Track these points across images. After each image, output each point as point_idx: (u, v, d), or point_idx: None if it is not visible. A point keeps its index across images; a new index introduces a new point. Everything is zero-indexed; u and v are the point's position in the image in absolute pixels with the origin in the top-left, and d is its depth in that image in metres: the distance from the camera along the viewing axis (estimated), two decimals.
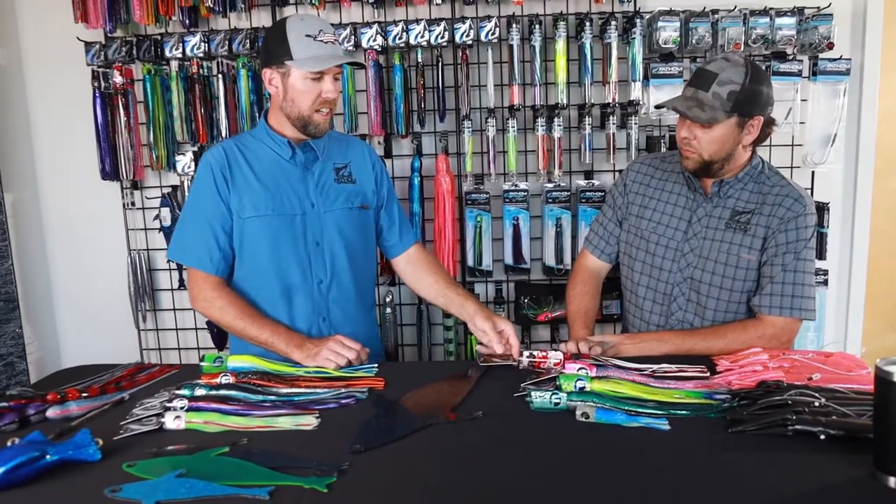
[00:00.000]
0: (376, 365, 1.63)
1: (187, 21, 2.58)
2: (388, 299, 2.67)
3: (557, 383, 1.42)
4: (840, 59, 2.45)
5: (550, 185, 2.58)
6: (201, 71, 2.60)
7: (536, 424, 1.31)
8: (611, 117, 2.52)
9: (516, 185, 2.59)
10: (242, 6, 2.54)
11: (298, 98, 1.69)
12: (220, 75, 2.58)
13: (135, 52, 2.59)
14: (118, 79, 2.60)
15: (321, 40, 1.66)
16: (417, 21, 2.49)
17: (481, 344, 1.72)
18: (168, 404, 1.37)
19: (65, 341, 2.97)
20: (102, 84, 2.62)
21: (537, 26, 2.48)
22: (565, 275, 2.55)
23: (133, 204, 2.78)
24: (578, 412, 1.30)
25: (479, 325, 1.73)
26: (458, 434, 1.28)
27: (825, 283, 2.60)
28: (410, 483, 1.11)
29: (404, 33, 2.49)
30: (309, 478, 1.09)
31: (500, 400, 1.42)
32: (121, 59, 2.59)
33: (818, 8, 2.43)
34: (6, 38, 2.76)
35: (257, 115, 2.55)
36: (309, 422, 1.32)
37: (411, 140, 2.65)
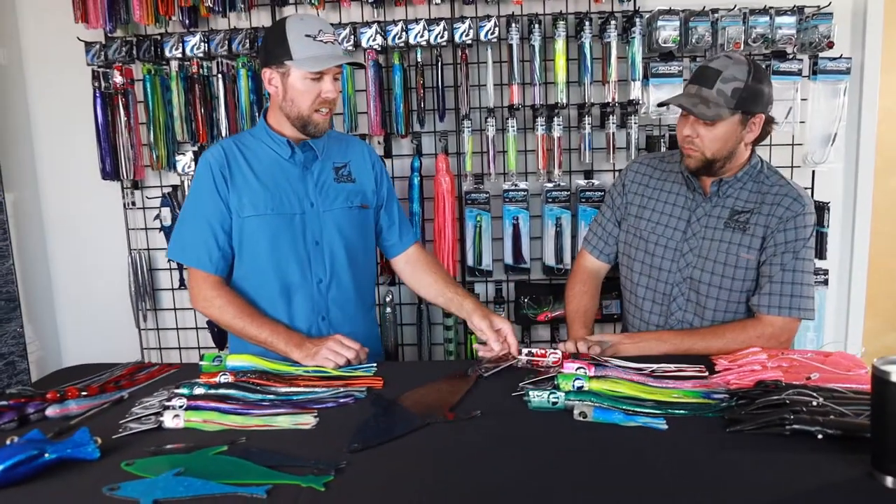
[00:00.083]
0: (375, 364, 1.63)
1: (187, 21, 2.59)
2: (388, 299, 2.67)
3: (556, 383, 1.42)
4: (840, 58, 2.45)
5: (550, 185, 2.58)
6: (201, 71, 2.60)
7: (534, 424, 1.31)
8: (610, 117, 2.52)
9: (516, 185, 2.59)
10: (242, 6, 2.55)
11: (298, 98, 1.69)
12: (219, 75, 2.58)
13: (135, 52, 2.59)
14: (118, 79, 2.60)
15: (321, 40, 1.67)
16: (417, 21, 2.49)
17: (481, 344, 1.72)
18: (167, 403, 1.37)
19: (66, 341, 2.98)
20: (103, 84, 2.62)
21: (537, 26, 2.48)
22: (565, 274, 2.55)
23: (133, 204, 2.79)
24: (576, 411, 1.30)
25: (476, 324, 1.73)
26: (455, 433, 1.28)
27: (825, 282, 2.60)
28: (408, 482, 1.11)
29: (404, 33, 2.49)
30: (306, 476, 1.09)
31: (498, 399, 1.42)
32: (121, 59, 2.60)
33: (818, 7, 2.43)
34: (7, 38, 2.76)
35: (257, 114, 2.56)
36: (307, 421, 1.32)
37: (411, 140, 2.65)
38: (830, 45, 2.41)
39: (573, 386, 1.40)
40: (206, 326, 2.74)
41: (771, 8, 2.42)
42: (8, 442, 1.18)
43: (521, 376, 1.49)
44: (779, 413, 1.21)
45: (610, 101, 2.50)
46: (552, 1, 2.57)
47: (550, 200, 2.58)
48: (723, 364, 1.54)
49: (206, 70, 2.61)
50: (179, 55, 2.57)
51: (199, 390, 1.43)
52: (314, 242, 1.78)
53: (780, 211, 1.74)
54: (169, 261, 2.78)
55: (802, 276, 1.72)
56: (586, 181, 2.60)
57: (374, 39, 2.50)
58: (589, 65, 2.48)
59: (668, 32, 2.41)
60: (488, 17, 2.47)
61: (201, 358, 1.66)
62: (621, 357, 1.63)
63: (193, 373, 1.57)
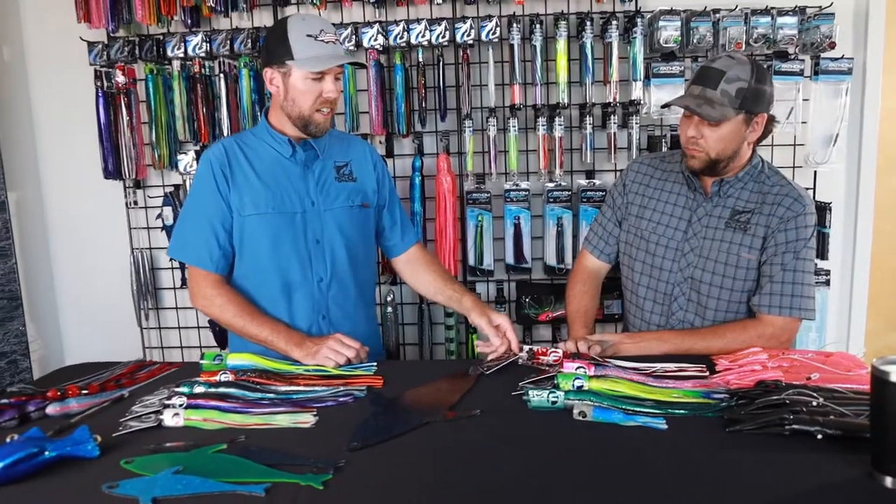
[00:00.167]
0: (375, 363, 1.63)
1: (189, 21, 2.59)
2: (389, 298, 2.67)
3: (555, 382, 1.42)
4: (842, 58, 2.44)
5: (551, 185, 2.58)
6: (203, 70, 2.61)
7: (534, 423, 1.31)
8: (612, 117, 2.52)
9: (517, 185, 2.59)
10: (244, 6, 2.55)
11: (299, 98, 1.69)
12: (221, 75, 2.59)
13: (137, 51, 2.60)
14: (121, 78, 2.61)
15: (322, 40, 1.67)
16: (418, 21, 2.49)
17: (482, 342, 1.72)
18: (167, 401, 1.38)
19: (68, 339, 2.99)
20: (105, 84, 2.63)
21: (538, 26, 2.48)
22: (566, 274, 2.55)
23: (136, 203, 2.79)
24: (576, 411, 1.30)
25: (474, 321, 1.75)
26: (455, 432, 1.28)
27: (827, 283, 2.59)
28: (407, 481, 1.11)
29: (405, 33, 2.50)
30: (305, 475, 1.09)
31: (498, 398, 1.42)
32: (123, 58, 2.60)
33: (820, 7, 2.42)
34: (9, 38, 2.77)
35: (259, 114, 2.56)
36: (307, 419, 1.32)
37: (412, 139, 2.65)
38: (832, 46, 2.40)
39: (573, 385, 1.40)
40: (208, 325, 2.75)
41: (772, 8, 2.41)
42: (8, 440, 1.18)
43: (521, 375, 1.49)
44: (778, 413, 1.21)
45: (611, 101, 2.50)
46: (553, 1, 2.56)
47: (552, 200, 2.58)
48: (723, 364, 1.54)
49: (208, 70, 2.62)
50: (181, 55, 2.58)
51: (199, 389, 1.44)
52: (315, 241, 1.78)
53: (781, 211, 1.74)
54: (171, 260, 2.78)
55: (803, 276, 1.72)
56: (588, 181, 2.60)
57: (376, 39, 2.51)
58: (590, 65, 2.48)
59: (669, 32, 2.41)
60: (490, 17, 2.47)
61: (202, 357, 1.66)
62: (622, 357, 1.63)
63: (194, 372, 1.58)
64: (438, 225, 2.60)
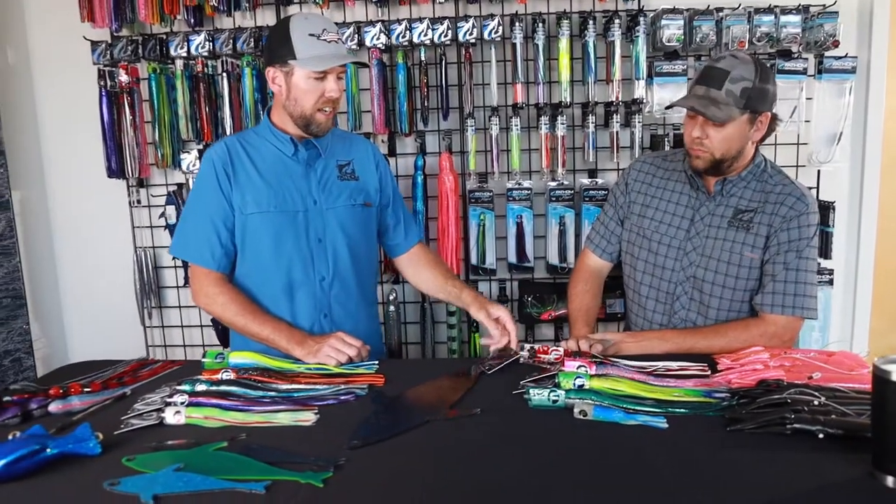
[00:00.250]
0: (377, 362, 1.64)
1: (192, 20, 2.60)
2: (391, 297, 2.67)
3: (556, 381, 1.42)
4: (846, 57, 2.43)
5: (554, 184, 2.58)
6: (206, 70, 2.61)
7: (535, 422, 1.31)
8: (614, 116, 2.51)
9: (520, 184, 2.59)
10: (247, 5, 2.56)
11: (301, 97, 1.69)
12: (224, 74, 2.59)
13: (140, 51, 2.61)
14: (124, 77, 2.62)
15: (325, 39, 1.67)
16: (421, 19, 2.49)
17: (486, 336, 1.74)
18: (168, 399, 1.38)
19: (72, 338, 3.00)
20: (108, 83, 2.64)
21: (541, 24, 2.48)
22: (568, 273, 2.54)
23: (139, 202, 2.80)
24: (576, 409, 1.30)
25: (474, 315, 1.78)
26: (456, 431, 1.28)
27: (831, 282, 2.58)
28: (408, 479, 1.11)
29: (408, 32, 2.50)
30: (305, 473, 1.09)
31: (498, 397, 1.42)
32: (126, 58, 2.61)
33: (824, 5, 2.42)
34: (13, 38, 2.78)
35: (261, 113, 2.55)
36: (308, 418, 1.32)
37: (415, 138, 2.65)
38: (836, 44, 2.40)
39: (574, 384, 1.40)
40: (211, 324, 2.75)
41: (776, 6, 2.41)
42: (10, 437, 1.19)
43: (522, 374, 1.49)
44: (780, 412, 1.21)
45: (614, 99, 2.49)
46: (556, 0, 2.56)
47: (554, 199, 2.57)
48: (725, 363, 1.54)
49: (210, 69, 2.62)
50: (184, 54, 2.58)
51: (200, 387, 1.44)
52: (317, 240, 1.78)
53: (784, 210, 1.73)
54: (174, 259, 2.79)
55: (806, 275, 1.72)
56: (590, 180, 2.60)
57: (378, 38, 2.51)
58: (593, 64, 2.48)
59: (672, 31, 2.40)
60: (492, 15, 2.47)
61: (204, 355, 1.67)
62: (623, 356, 1.63)
63: (196, 370, 1.58)
64: (441, 224, 2.60)
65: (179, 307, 2.87)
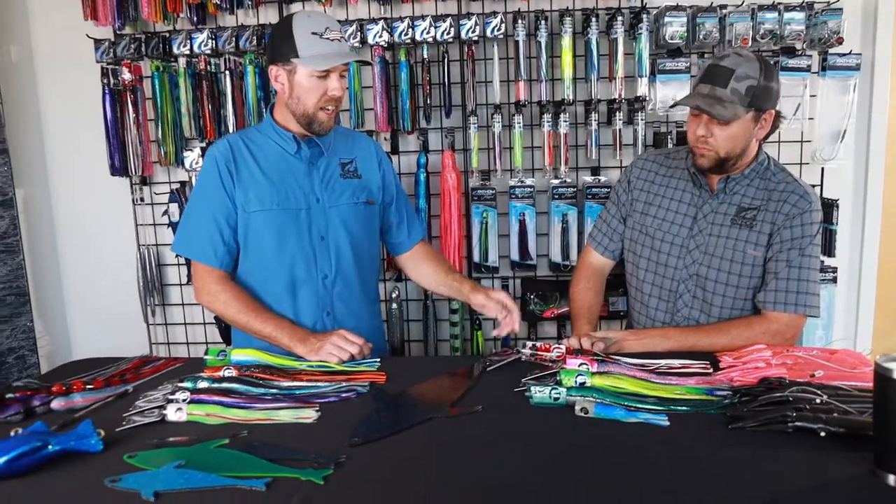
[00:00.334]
0: (378, 359, 1.64)
1: (195, 18, 2.60)
2: (394, 295, 2.68)
3: (558, 378, 1.42)
4: (850, 54, 2.42)
5: (556, 182, 2.58)
6: (209, 67, 2.61)
7: (536, 419, 1.31)
8: (617, 113, 2.51)
9: (522, 182, 2.59)
10: (249, 3, 2.55)
11: (304, 95, 1.69)
12: (227, 72, 2.59)
13: (143, 49, 2.61)
14: (127, 76, 2.62)
15: (327, 38, 1.66)
16: (423, 17, 2.49)
17: (496, 329, 1.76)
18: (170, 396, 1.39)
19: (75, 335, 3.01)
20: (111, 81, 2.64)
21: (543, 22, 2.47)
22: (571, 271, 2.53)
23: (142, 199, 2.80)
24: (577, 407, 1.30)
25: (475, 302, 1.79)
26: (457, 428, 1.28)
27: (834, 280, 2.57)
28: (409, 476, 1.11)
29: (410, 29, 2.49)
30: (306, 470, 1.09)
31: (500, 395, 1.42)
32: (129, 56, 2.61)
33: (827, 3, 2.41)
34: (17, 36, 2.79)
35: (264, 111, 2.56)
36: (309, 415, 1.33)
37: (417, 136, 2.65)
38: (840, 42, 2.38)
39: (575, 382, 1.40)
40: (214, 322, 2.76)
41: (779, 3, 2.40)
42: (12, 433, 1.19)
43: (524, 372, 1.49)
44: (781, 410, 1.21)
45: (617, 97, 2.49)
46: None
47: (557, 197, 2.57)
48: (727, 361, 1.53)
49: (213, 67, 2.62)
50: (187, 52, 2.58)
51: (202, 384, 1.44)
52: (319, 238, 1.79)
53: (787, 208, 1.73)
54: (177, 256, 2.80)
55: (808, 272, 1.72)
56: (593, 178, 2.59)
57: (381, 36, 2.50)
58: (595, 61, 2.47)
59: (675, 28, 2.40)
60: (494, 13, 2.46)
61: (206, 352, 1.67)
62: (625, 354, 1.62)
63: (198, 367, 1.59)
64: (443, 222, 2.60)
65: (182, 305, 2.88)
